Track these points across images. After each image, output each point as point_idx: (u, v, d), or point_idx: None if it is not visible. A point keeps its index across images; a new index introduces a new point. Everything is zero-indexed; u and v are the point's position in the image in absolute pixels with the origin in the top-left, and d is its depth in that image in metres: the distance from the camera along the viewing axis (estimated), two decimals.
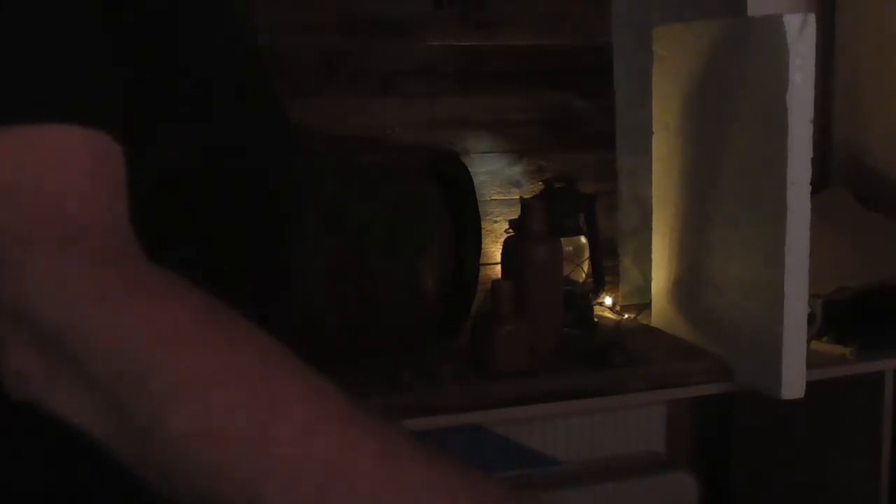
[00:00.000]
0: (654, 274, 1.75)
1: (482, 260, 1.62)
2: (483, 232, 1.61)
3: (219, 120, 0.68)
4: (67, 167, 0.53)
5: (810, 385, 1.45)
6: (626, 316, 1.82)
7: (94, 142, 0.54)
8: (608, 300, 1.85)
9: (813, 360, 1.50)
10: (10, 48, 0.53)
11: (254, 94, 0.73)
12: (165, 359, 0.51)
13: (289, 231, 0.78)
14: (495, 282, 1.54)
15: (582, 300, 1.72)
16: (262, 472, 0.50)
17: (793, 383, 1.44)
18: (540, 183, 1.78)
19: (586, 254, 1.74)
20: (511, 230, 1.64)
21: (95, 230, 0.53)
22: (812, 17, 1.37)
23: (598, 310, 1.79)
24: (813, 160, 1.40)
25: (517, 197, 1.83)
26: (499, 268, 1.66)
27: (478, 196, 1.61)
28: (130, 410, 0.51)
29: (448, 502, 0.52)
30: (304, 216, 0.83)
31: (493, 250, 1.76)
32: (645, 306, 1.81)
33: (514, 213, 1.72)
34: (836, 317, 1.63)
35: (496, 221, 1.84)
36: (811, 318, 1.51)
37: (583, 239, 1.74)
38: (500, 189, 1.86)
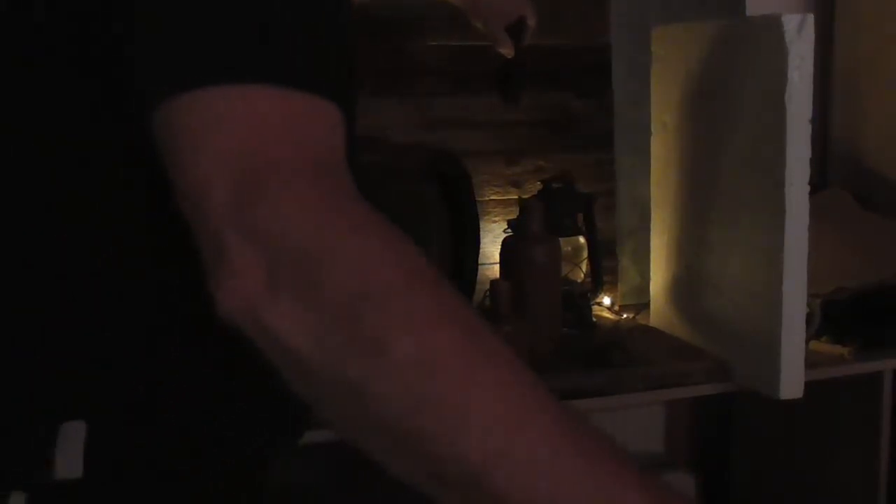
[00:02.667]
0: (652, 274, 1.76)
1: (481, 260, 1.62)
2: (482, 232, 1.61)
3: None
4: (326, 125, 0.63)
5: (809, 385, 1.45)
6: (625, 316, 1.82)
7: (337, 113, 0.64)
8: (607, 300, 1.85)
9: (812, 360, 1.50)
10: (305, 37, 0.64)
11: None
12: (398, 291, 0.56)
13: None
14: (494, 282, 1.54)
15: (581, 300, 1.72)
16: (467, 408, 0.54)
17: (791, 383, 1.44)
18: (538, 183, 1.78)
19: (585, 254, 1.74)
20: (509, 230, 1.64)
21: (343, 174, 0.62)
22: (811, 17, 1.37)
23: (596, 310, 1.79)
24: (811, 160, 1.40)
25: (516, 197, 1.83)
26: (497, 268, 1.66)
27: (476, 196, 1.61)
28: (358, 331, 0.56)
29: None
30: None
31: (492, 250, 1.76)
32: (643, 306, 1.81)
33: (513, 213, 1.73)
34: (835, 317, 1.63)
35: (495, 221, 1.84)
36: (810, 318, 1.51)
37: (581, 239, 1.74)
38: (499, 189, 1.86)
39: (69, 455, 0.66)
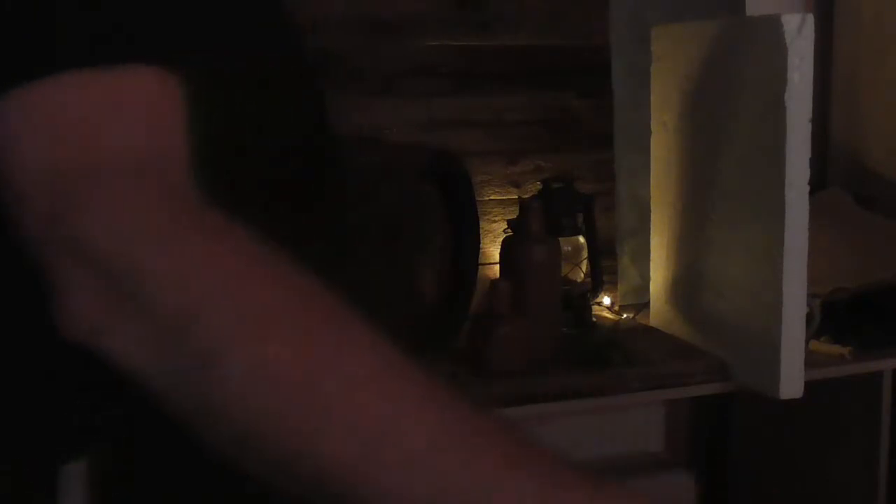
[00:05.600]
0: (652, 274, 1.76)
1: (481, 260, 1.62)
2: (481, 232, 1.61)
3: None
4: (132, 104, 0.54)
5: (808, 385, 1.45)
6: (625, 316, 1.82)
7: (156, 79, 0.55)
8: (606, 300, 1.85)
9: (811, 360, 1.50)
10: None
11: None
12: (224, 298, 0.51)
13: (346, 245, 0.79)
14: (494, 282, 1.54)
15: (580, 300, 1.72)
16: (316, 419, 0.50)
17: (791, 383, 1.44)
18: (538, 183, 1.78)
19: (584, 254, 1.74)
20: (509, 230, 1.64)
21: (157, 164, 0.54)
22: (810, 17, 1.37)
23: (596, 310, 1.79)
24: (811, 160, 1.40)
25: (515, 197, 1.83)
26: (497, 268, 1.66)
27: (476, 196, 1.61)
28: (186, 348, 0.51)
29: (504, 459, 0.51)
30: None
31: (492, 250, 1.76)
32: (643, 306, 1.81)
33: (513, 213, 1.72)
34: (835, 317, 1.63)
35: (494, 221, 1.84)
36: (809, 318, 1.51)
37: (581, 239, 1.74)
38: (499, 189, 1.86)
39: (72, 500, 0.62)
